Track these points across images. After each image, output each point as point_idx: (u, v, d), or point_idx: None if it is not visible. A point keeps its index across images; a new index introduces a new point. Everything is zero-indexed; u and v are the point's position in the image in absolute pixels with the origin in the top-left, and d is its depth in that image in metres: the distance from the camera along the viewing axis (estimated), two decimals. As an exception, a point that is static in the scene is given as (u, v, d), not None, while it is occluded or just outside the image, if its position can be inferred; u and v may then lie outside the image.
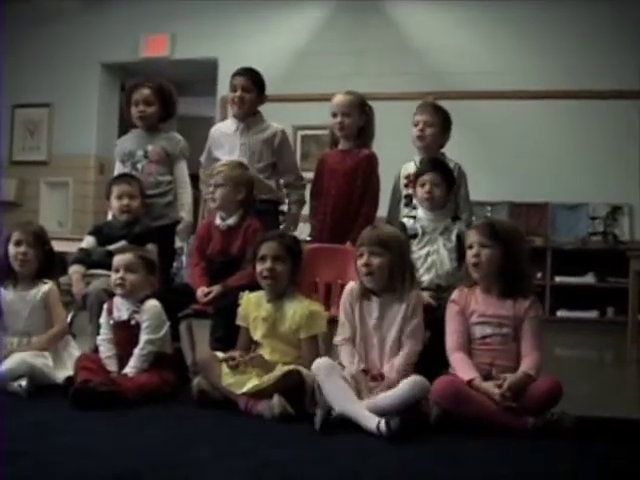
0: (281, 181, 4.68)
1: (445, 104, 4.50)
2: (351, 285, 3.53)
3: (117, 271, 3.69)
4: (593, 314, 7.89)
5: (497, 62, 8.37)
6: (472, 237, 3.35)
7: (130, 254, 3.73)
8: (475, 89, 8.30)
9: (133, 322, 3.64)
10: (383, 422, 2.92)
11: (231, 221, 4.16)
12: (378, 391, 3.18)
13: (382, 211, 4.39)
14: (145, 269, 3.72)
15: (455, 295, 3.40)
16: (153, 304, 3.68)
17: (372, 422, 2.99)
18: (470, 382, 3.12)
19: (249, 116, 4.58)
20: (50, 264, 3.95)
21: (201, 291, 3.97)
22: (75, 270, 4.15)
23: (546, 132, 8.20)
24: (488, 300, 3.33)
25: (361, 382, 3.23)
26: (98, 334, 3.72)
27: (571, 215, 8.24)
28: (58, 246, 4.24)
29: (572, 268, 7.93)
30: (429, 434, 2.99)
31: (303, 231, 4.50)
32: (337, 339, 3.47)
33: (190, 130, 6.13)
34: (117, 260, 3.72)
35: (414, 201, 4.09)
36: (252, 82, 4.54)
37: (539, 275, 7.78)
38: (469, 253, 3.35)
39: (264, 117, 4.65)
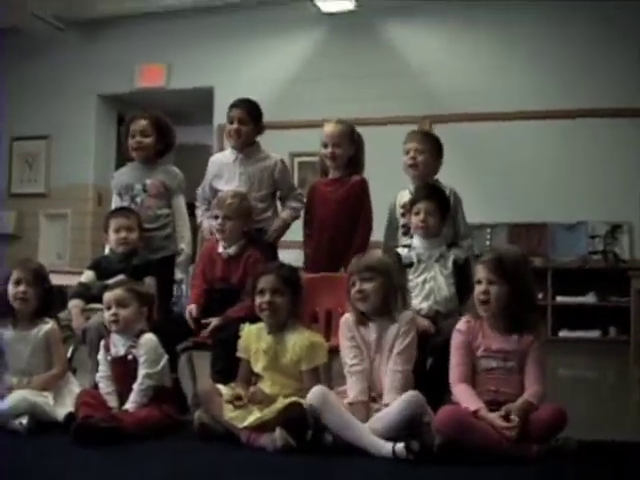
0: (279, 207, 4.72)
1: (441, 127, 4.55)
2: (345, 316, 3.53)
3: (109, 308, 3.66)
4: (595, 334, 7.83)
5: (492, 83, 8.38)
6: (480, 273, 3.29)
7: (120, 289, 3.69)
8: (470, 111, 8.30)
9: (130, 357, 3.62)
10: (401, 446, 2.96)
11: (232, 250, 4.17)
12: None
13: (375, 235, 4.41)
14: (137, 302, 3.69)
15: (462, 325, 3.35)
16: (149, 338, 3.66)
17: (384, 448, 3.02)
18: (475, 413, 3.10)
19: (247, 146, 4.60)
20: (49, 302, 3.92)
21: (190, 308, 4.03)
22: (74, 304, 4.13)
23: (543, 152, 8.21)
24: (494, 335, 3.29)
25: (359, 412, 3.23)
26: (97, 370, 3.70)
27: (571, 234, 8.22)
28: (57, 280, 4.24)
29: (573, 288, 7.90)
30: (433, 462, 2.96)
31: (298, 259, 4.48)
32: (344, 367, 3.45)
33: (188, 159, 6.16)
34: (108, 297, 3.68)
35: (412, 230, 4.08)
36: (248, 114, 4.56)
37: (540, 296, 7.74)
38: (477, 289, 3.30)
39: (262, 147, 4.67)
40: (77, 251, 9.32)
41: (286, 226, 4.63)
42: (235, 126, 4.54)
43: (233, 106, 4.61)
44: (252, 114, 4.58)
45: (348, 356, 3.44)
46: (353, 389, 3.35)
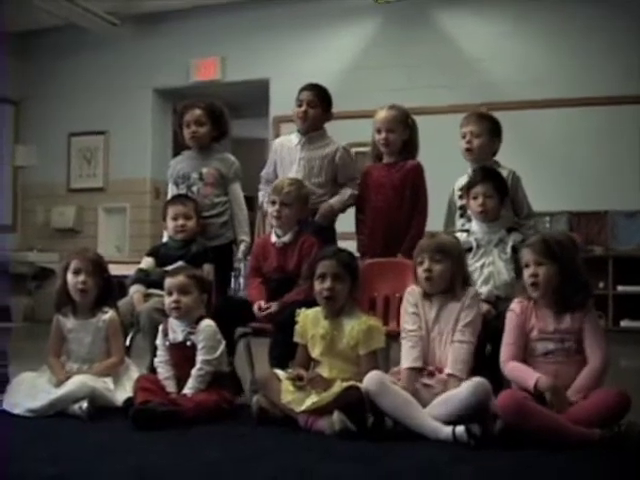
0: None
1: (497, 115, 4.43)
2: (412, 287, 3.52)
3: (170, 294, 3.69)
4: (657, 323, 7.65)
5: (549, 70, 8.21)
6: (527, 256, 3.30)
7: (182, 276, 3.72)
8: (527, 98, 8.17)
9: (189, 343, 3.65)
10: (461, 429, 2.95)
11: (287, 238, 4.16)
12: (435, 387, 3.22)
13: (429, 225, 4.34)
14: (198, 289, 3.72)
15: (515, 306, 3.34)
16: (208, 324, 3.68)
17: (443, 431, 3.02)
18: (536, 385, 3.08)
19: (313, 131, 4.58)
20: (109, 291, 3.95)
21: (257, 305, 3.97)
22: (136, 290, 4.17)
23: (603, 139, 8.03)
24: (548, 316, 3.28)
25: (409, 379, 3.24)
26: (154, 354, 3.73)
27: (631, 222, 8.03)
28: (116, 270, 4.26)
29: (635, 276, 7.72)
30: (494, 446, 2.93)
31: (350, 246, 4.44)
32: (402, 333, 3.45)
33: (244, 152, 6.15)
34: (169, 282, 3.71)
35: (468, 212, 4.02)
36: (318, 97, 4.55)
37: (601, 285, 7.59)
38: (526, 272, 3.30)
39: (328, 134, 4.65)
40: (136, 244, 9.38)
41: (334, 212, 4.53)
42: (303, 108, 4.53)
43: (303, 89, 4.59)
44: (321, 98, 4.56)
45: (408, 322, 3.45)
46: (409, 355, 3.35)
